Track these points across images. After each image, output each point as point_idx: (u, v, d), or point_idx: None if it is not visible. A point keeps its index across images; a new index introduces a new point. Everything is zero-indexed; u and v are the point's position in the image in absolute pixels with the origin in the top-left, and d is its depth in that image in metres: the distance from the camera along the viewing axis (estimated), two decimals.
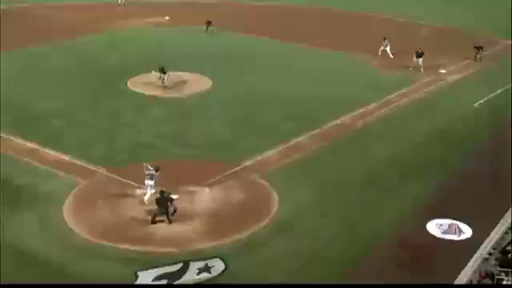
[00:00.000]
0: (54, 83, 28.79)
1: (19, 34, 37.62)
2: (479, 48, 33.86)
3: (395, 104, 26.91)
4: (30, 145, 21.73)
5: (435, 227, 16.79)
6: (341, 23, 42.85)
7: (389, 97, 27.69)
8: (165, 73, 28.23)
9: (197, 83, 29.25)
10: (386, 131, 23.93)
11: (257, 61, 33.25)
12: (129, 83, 28.89)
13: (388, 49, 34.07)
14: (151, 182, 17.75)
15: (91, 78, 29.77)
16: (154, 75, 28.73)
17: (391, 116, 25.52)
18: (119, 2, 44.54)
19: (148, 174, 17.79)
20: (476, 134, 23.63)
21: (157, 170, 17.88)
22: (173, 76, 28.83)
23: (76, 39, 36.71)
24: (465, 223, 16.93)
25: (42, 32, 37.94)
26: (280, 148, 21.95)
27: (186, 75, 30.01)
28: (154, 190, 17.61)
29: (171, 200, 16.98)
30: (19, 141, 22.04)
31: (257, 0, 49.59)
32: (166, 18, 42.71)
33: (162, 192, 17.01)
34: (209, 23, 38.78)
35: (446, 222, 17.02)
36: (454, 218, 17.11)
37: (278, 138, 22.66)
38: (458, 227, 16.79)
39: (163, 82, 28.31)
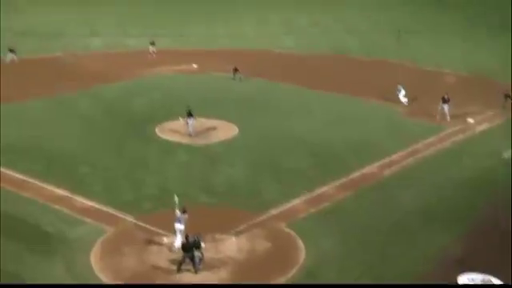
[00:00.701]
0: (83, 129, 29.59)
1: (50, 81, 38.91)
2: (508, 96, 33.71)
3: (422, 153, 26.93)
4: (58, 191, 22.29)
5: (467, 281, 16.38)
6: (363, 70, 43.35)
7: (415, 145, 27.76)
8: (191, 115, 28.53)
9: (223, 129, 29.79)
10: (412, 180, 23.89)
11: (282, 107, 33.85)
12: (156, 129, 29.54)
13: (402, 95, 34.13)
14: (180, 226, 17.99)
15: (119, 124, 30.53)
16: (181, 122, 29.28)
17: (418, 165, 25.51)
18: (150, 50, 46.01)
19: (176, 218, 18.05)
20: (504, 185, 23.38)
21: (184, 212, 18.20)
22: (199, 122, 29.35)
23: (105, 86, 37.74)
24: (497, 278, 16.58)
25: (72, 79, 39.14)
26: (306, 196, 22.11)
27: (212, 122, 30.56)
28: (182, 235, 17.80)
29: (198, 245, 17.04)
30: (48, 187, 22.63)
31: (282, 48, 50.67)
32: (194, 65, 43.82)
33: (187, 237, 17.19)
34: (236, 70, 39.66)
35: (479, 277, 16.57)
36: (484, 272, 16.79)
37: (303, 185, 22.88)
38: (492, 282, 16.38)
39: (188, 125, 28.66)
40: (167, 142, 28.03)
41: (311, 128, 30.09)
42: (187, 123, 28.67)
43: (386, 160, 25.85)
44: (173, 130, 29.30)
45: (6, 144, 26.92)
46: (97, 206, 21.21)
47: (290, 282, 16.49)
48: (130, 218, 20.22)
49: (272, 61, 46.43)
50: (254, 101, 34.99)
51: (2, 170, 24.04)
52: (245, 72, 40.02)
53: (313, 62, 45.76)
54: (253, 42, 52.10)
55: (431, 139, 28.75)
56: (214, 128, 30.03)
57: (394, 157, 26.24)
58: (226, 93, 36.72)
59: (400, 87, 34.53)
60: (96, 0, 73.27)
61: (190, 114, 28.52)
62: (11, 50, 42.28)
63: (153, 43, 46.26)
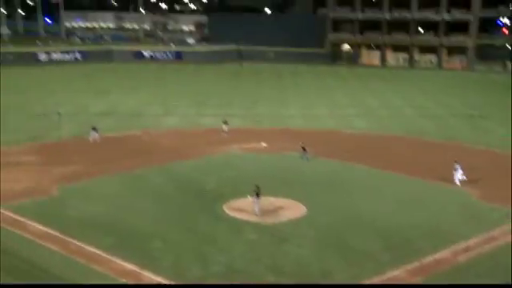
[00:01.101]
0: (156, 204, 30.50)
1: (127, 157, 40.73)
2: None
3: (499, 241, 25.72)
4: (128, 266, 22.83)
5: None
6: (436, 153, 42.51)
7: (491, 232, 26.58)
8: (258, 195, 28.86)
9: (291, 209, 29.79)
10: (488, 268, 22.75)
11: (352, 187, 33.64)
12: (225, 207, 29.97)
13: (458, 174, 33.29)
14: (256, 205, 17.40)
15: (190, 200, 31.26)
16: (250, 200, 29.62)
17: (494, 253, 24.36)
18: (223, 128, 47.57)
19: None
20: None
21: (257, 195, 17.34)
22: (268, 201, 29.55)
23: (178, 163, 39.04)
24: None
25: (148, 156, 40.92)
26: (375, 280, 21.57)
27: (281, 201, 30.74)
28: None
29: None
30: (118, 261, 23.28)
31: (353, 128, 50.93)
32: (264, 144, 44.69)
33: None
34: (304, 149, 40.09)
35: None
36: None
37: (373, 269, 22.35)
38: None
39: (255, 204, 28.91)
40: (235, 219, 28.32)
41: (381, 210, 29.57)
42: (255, 202, 28.99)
43: (460, 246, 24.88)
44: (241, 208, 29.61)
45: (81, 218, 28.18)
46: (164, 281, 21.46)
47: None
48: None
49: (342, 141, 46.67)
50: (322, 181, 35.00)
51: (76, 242, 25.01)
52: (315, 152, 40.34)
53: (384, 143, 45.55)
54: (323, 123, 52.82)
55: (509, 226, 27.38)
56: (283, 207, 30.08)
57: (469, 242, 25.23)
58: (295, 172, 36.99)
59: (457, 166, 33.79)
60: (172, 82, 77.68)
61: (257, 194, 28.81)
62: (94, 129, 44.91)
63: (225, 122, 47.91)
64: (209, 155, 41.52)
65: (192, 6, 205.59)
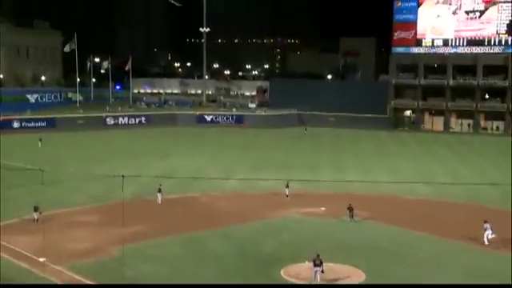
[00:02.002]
0: (211, 268, 30.72)
1: (184, 220, 41.45)
2: None
3: None
4: None
5: None
6: (499, 221, 40.60)
7: None
8: (319, 265, 28.34)
9: (351, 276, 29.32)
10: None
11: (411, 255, 32.73)
12: (282, 272, 29.78)
13: (487, 234, 32.40)
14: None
15: (248, 263, 31.33)
16: (308, 265, 29.26)
17: None
18: (286, 192, 47.80)
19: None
20: None
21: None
22: (326, 267, 29.12)
23: (237, 226, 39.38)
24: None
25: (205, 219, 41.46)
26: None
27: (339, 267, 30.30)
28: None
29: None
30: None
31: (413, 194, 49.94)
32: (322, 208, 44.44)
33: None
34: (350, 210, 39.91)
35: None
36: None
37: None
38: None
39: (313, 271, 28.44)
40: (292, 285, 28.01)
41: (441, 278, 28.43)
42: (316, 270, 28.37)
43: None
44: (299, 274, 29.33)
45: (138, 278, 28.63)
46: None
47: None
48: None
49: (403, 207, 45.86)
50: (381, 247, 34.31)
51: None
52: (374, 217, 39.72)
53: (446, 210, 44.29)
54: (384, 188, 52.17)
55: None
56: (342, 274, 29.56)
57: None
58: (354, 237, 36.46)
59: (486, 225, 32.92)
60: (233, 145, 79.17)
61: (317, 262, 28.12)
62: (160, 190, 46.14)
63: (287, 185, 48.13)
64: (268, 219, 41.60)
65: (254, 72, 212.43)
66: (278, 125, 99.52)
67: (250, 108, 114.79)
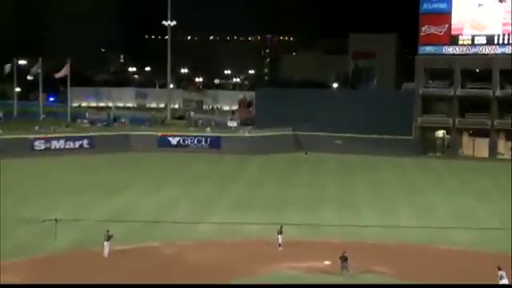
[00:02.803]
0: None
1: (139, 279, 40.89)
2: None
3: None
4: None
5: None
6: None
7: None
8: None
9: None
10: None
11: None
12: None
13: (503, 282, 35.44)
14: None
15: None
16: None
17: None
18: (278, 240, 47.55)
19: None
20: None
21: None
22: None
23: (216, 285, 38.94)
24: None
25: (167, 276, 41.01)
26: None
27: None
28: None
29: None
30: None
31: (450, 243, 50.00)
32: (327, 262, 44.14)
33: None
34: (343, 260, 41.06)
35: None
36: None
37: None
38: None
39: None
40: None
41: None
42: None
43: None
44: None
45: None
46: None
47: None
48: None
49: (435, 259, 45.91)
50: None
51: None
52: (397, 274, 39.58)
53: (491, 265, 44.22)
54: (409, 234, 52.18)
55: None
56: None
57: None
58: None
59: (502, 273, 36.03)
60: (207, 176, 78.90)
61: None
62: (109, 238, 45.63)
63: (280, 232, 47.95)
64: (255, 276, 41.28)
65: (236, 79, 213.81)
66: (268, 150, 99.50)
67: (230, 127, 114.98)
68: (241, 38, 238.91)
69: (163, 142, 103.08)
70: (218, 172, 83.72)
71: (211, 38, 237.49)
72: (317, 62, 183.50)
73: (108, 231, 46.09)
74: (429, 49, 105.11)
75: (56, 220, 48.19)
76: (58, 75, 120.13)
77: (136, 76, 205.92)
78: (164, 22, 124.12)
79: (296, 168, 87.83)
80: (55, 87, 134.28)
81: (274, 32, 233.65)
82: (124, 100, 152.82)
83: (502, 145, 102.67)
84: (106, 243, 45.54)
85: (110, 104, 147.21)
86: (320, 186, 74.28)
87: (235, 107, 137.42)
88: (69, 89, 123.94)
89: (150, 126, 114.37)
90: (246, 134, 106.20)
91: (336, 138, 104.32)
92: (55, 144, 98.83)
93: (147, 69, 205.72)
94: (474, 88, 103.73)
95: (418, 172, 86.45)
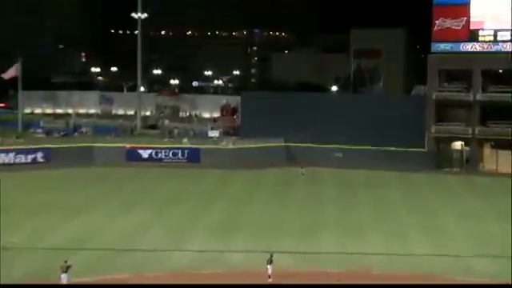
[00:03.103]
0: None
1: None
2: None
3: None
4: None
5: None
6: None
7: None
8: None
9: None
10: None
11: None
12: None
13: None
14: None
15: None
16: None
17: None
18: (268, 271, 47.54)
19: None
20: None
21: None
22: None
23: None
24: None
25: None
26: None
27: None
28: None
29: None
30: None
31: (469, 273, 50.07)
32: None
33: None
34: None
35: None
36: None
37: None
38: None
39: None
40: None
41: None
42: None
43: None
44: None
45: None
46: None
47: None
48: None
49: None
50: None
51: None
52: None
53: None
54: (422, 263, 52.18)
55: None
56: None
57: None
58: None
59: None
60: (185, 196, 78.66)
61: None
62: (66, 270, 45.35)
63: (271, 261, 47.92)
64: None
65: (218, 81, 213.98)
66: (256, 164, 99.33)
67: (211, 138, 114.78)
68: (224, 34, 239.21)
69: (132, 156, 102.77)
70: (197, 190, 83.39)
71: (189, 33, 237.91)
72: (313, 62, 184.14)
73: (66, 261, 45.69)
74: (444, 46, 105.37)
75: (2, 248, 47.87)
76: (6, 76, 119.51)
77: (100, 78, 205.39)
78: (133, 15, 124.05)
79: (289, 185, 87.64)
80: (3, 90, 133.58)
81: (262, 26, 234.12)
82: (86, 106, 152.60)
83: None
84: (63, 275, 45.16)
85: (70, 110, 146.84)
86: (317, 207, 74.10)
87: (217, 114, 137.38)
88: (20, 92, 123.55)
89: (117, 136, 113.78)
90: (230, 146, 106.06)
91: (335, 150, 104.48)
92: (3, 158, 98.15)
93: (113, 69, 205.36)
94: (496, 92, 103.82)
95: (431, 190, 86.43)
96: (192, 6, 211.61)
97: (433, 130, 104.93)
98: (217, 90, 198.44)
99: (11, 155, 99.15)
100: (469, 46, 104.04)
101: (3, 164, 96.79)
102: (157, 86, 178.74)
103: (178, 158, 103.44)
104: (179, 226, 64.61)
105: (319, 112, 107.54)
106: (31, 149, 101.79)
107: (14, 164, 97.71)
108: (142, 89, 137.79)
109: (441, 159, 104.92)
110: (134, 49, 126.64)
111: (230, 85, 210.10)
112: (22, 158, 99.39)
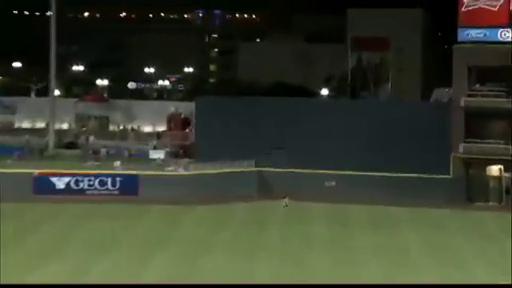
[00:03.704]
0: None
1: None
2: None
3: None
4: None
5: None
6: None
7: None
8: None
9: None
10: None
11: None
12: None
13: None
14: None
15: None
16: None
17: None
18: None
19: None
20: None
21: None
22: None
23: None
24: None
25: None
26: None
27: None
28: None
29: None
30: None
31: None
32: None
33: None
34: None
35: None
36: None
37: None
38: None
39: None
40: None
41: None
42: None
43: None
44: None
45: None
46: None
47: None
48: None
49: None
50: None
51: None
52: None
53: None
54: None
55: None
56: None
57: None
58: None
59: None
60: (117, 241, 78.34)
61: None
62: None
63: None
64: None
65: (163, 82, 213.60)
66: (216, 197, 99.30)
67: (154, 160, 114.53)
68: (172, 16, 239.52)
69: (43, 186, 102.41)
70: (133, 235, 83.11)
71: (123, 15, 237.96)
72: (295, 55, 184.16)
73: None
74: (475, 33, 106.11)
75: None
76: None
77: None
78: None
79: (262, 227, 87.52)
80: None
81: (225, 6, 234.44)
82: None
83: None
84: None
85: None
86: (301, 258, 74.22)
87: (163, 128, 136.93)
88: None
89: (21, 158, 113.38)
90: (181, 172, 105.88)
91: (327, 177, 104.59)
92: None
93: (16, 65, 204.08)
94: None
95: (459, 234, 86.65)
96: None
97: (461, 150, 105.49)
98: (162, 95, 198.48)
99: None
100: (509, 34, 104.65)
101: None
102: (77, 88, 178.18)
103: (108, 190, 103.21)
104: (110, 280, 64.23)
105: (304, 125, 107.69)
106: None
107: None
108: (56, 92, 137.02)
109: (472, 190, 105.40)
110: (46, 37, 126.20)
111: (180, 87, 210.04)
112: None
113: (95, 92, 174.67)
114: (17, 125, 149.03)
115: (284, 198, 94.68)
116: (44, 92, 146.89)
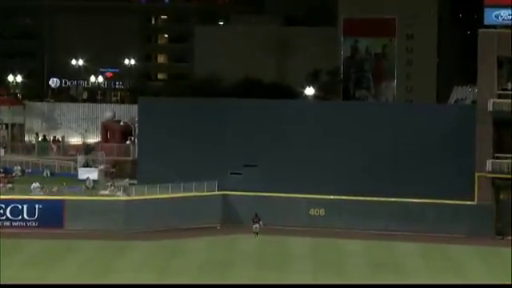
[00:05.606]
0: None
1: None
2: None
3: None
4: None
5: None
6: None
7: None
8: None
9: None
10: None
11: None
12: None
13: None
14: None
15: None
16: None
17: None
18: None
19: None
20: None
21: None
22: None
23: None
24: None
25: None
26: None
27: None
28: None
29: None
30: None
31: None
32: None
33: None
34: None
35: None
36: None
37: None
38: None
39: None
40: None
41: None
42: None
43: None
44: None
45: None
46: None
47: None
48: None
49: None
50: None
51: None
52: None
53: None
54: None
55: None
56: None
57: None
58: None
59: None
60: None
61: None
62: None
63: None
64: None
65: (96, 78, 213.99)
66: (166, 229, 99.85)
67: (84, 181, 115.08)
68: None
69: None
70: (56, 279, 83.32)
71: None
72: (270, 43, 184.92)
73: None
74: (506, 15, 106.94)
75: None
76: None
77: None
78: None
79: (227, 269, 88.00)
80: None
81: None
82: None
83: None
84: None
85: None
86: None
87: (96, 139, 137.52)
88: None
89: None
90: (120, 197, 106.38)
91: (313, 203, 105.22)
92: None
93: None
94: None
95: (487, 276, 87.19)
96: None
97: (488, 168, 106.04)
98: (94, 95, 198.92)
99: None
100: None
101: None
102: None
103: (24, 220, 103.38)
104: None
105: (282, 134, 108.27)
106: None
107: None
108: None
109: (503, 220, 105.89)
110: None
111: (118, 84, 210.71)
112: None
113: (4, 91, 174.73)
114: None
115: (257, 222, 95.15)
116: None
